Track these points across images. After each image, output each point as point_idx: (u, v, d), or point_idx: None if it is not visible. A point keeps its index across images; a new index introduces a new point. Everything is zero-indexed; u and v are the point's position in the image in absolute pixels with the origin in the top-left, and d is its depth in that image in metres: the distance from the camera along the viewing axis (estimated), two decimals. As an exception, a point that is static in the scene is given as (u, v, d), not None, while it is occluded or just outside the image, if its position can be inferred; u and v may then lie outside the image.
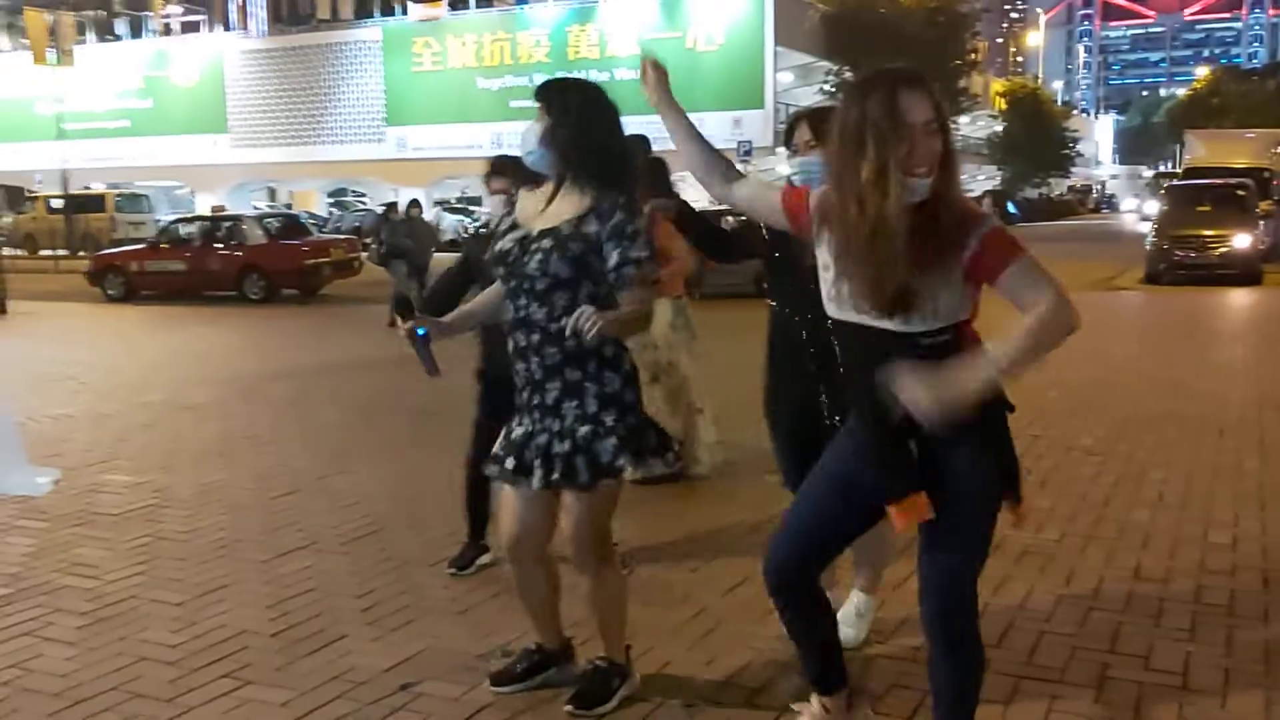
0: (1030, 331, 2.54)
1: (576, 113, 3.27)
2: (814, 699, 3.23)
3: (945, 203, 2.54)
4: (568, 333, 3.05)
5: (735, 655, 3.90)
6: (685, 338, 6.22)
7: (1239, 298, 16.82)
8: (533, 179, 3.48)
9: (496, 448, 3.43)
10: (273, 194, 51.92)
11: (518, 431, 3.37)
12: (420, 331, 3.38)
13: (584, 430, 3.26)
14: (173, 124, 47.24)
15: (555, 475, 3.27)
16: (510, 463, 3.34)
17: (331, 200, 49.51)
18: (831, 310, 2.73)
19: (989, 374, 2.55)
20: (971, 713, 2.91)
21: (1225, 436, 7.18)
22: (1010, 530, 5.20)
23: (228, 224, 20.79)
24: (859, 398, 2.76)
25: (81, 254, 30.12)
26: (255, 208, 39.84)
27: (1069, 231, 45.53)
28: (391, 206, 17.13)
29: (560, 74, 3.49)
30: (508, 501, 3.48)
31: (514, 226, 3.38)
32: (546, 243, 3.23)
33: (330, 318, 16.96)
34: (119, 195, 36.25)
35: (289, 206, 46.44)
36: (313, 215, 38.94)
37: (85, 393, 9.73)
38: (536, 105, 3.29)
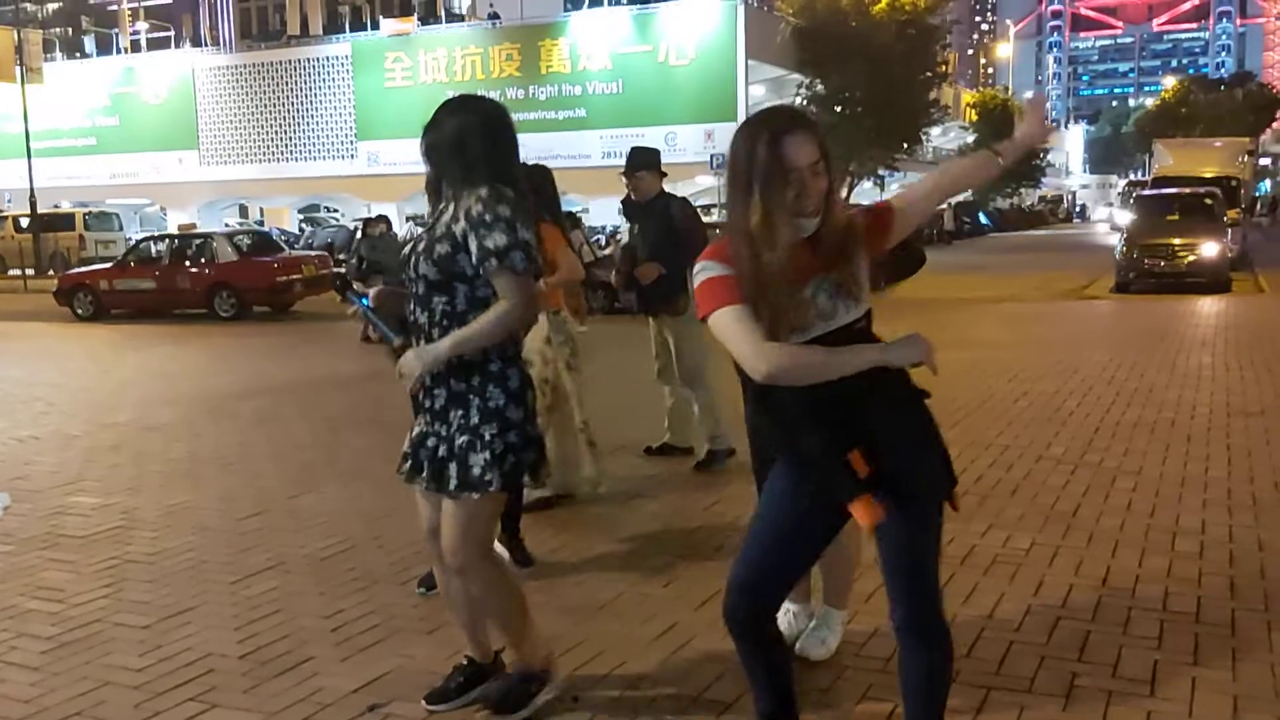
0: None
1: (443, 122, 3.31)
2: None
3: (830, 226, 2.68)
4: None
5: (707, 670, 3.89)
6: (565, 354, 5.94)
7: (1207, 305, 16.96)
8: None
9: (405, 445, 3.48)
10: (244, 211, 51.72)
11: (415, 432, 3.44)
12: (363, 301, 3.44)
13: (461, 440, 3.29)
14: (141, 141, 47.00)
15: (425, 478, 3.36)
16: (406, 464, 3.43)
17: (303, 216, 49.35)
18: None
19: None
20: (942, 711, 2.95)
21: (1193, 444, 7.23)
22: (980, 540, 5.24)
23: (198, 241, 20.66)
24: (804, 411, 2.74)
25: (50, 273, 29.90)
26: (226, 225, 39.69)
27: (1040, 242, 45.91)
28: (371, 222, 17.09)
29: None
30: (420, 504, 3.54)
31: (434, 223, 3.42)
32: (421, 245, 3.28)
33: (302, 335, 16.87)
34: (88, 214, 36.03)
35: (260, 223, 46.23)
36: (284, 232, 38.80)
37: (53, 414, 9.64)
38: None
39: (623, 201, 7.10)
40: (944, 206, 50.42)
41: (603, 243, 28.52)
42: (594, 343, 6.69)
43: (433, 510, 3.48)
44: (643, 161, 6.86)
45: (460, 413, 3.30)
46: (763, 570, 2.91)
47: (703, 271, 2.71)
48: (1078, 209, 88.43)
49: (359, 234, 19.32)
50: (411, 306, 3.34)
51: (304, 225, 46.37)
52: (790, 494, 2.88)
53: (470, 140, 3.26)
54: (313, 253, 24.87)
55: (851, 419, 2.68)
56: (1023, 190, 72.83)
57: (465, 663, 3.68)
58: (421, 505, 3.54)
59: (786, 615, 4.08)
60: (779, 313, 2.64)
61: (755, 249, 2.62)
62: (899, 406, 2.75)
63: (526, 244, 3.19)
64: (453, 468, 3.29)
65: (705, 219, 8.42)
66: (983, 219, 56.66)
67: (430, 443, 3.36)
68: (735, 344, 2.64)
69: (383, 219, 16.53)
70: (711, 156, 33.86)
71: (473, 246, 3.18)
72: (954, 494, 2.88)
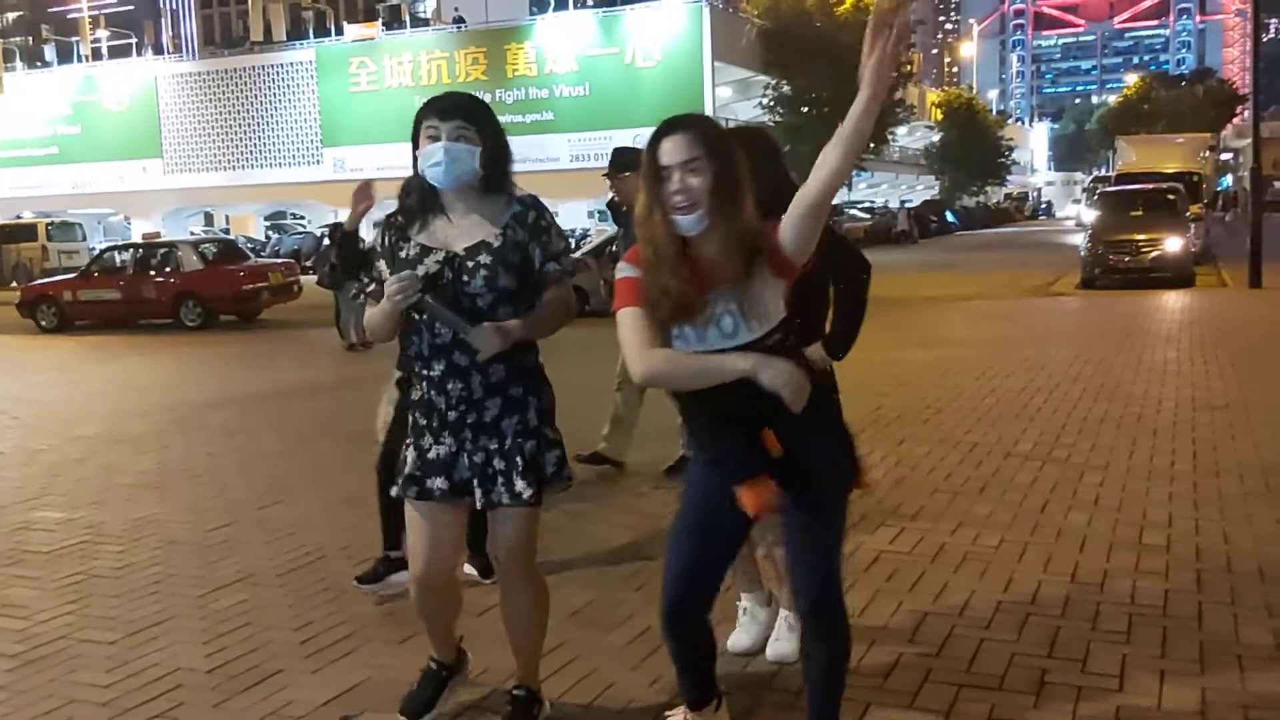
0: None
1: (496, 129, 3.25)
2: (683, 710, 3.35)
3: (725, 234, 2.76)
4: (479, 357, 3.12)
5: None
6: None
7: (1172, 300, 17.13)
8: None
9: (411, 469, 3.30)
10: (209, 219, 51.36)
11: (439, 450, 3.26)
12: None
13: (529, 444, 3.25)
14: (104, 150, 46.60)
15: (499, 494, 3.23)
16: (440, 483, 3.26)
17: (269, 223, 49.06)
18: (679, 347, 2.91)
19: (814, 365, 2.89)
20: (839, 700, 3.06)
21: (1159, 438, 7.29)
22: (949, 538, 5.26)
23: (163, 250, 20.49)
24: (709, 405, 2.87)
25: (13, 285, 29.58)
26: (192, 233, 39.38)
27: (1006, 239, 46.22)
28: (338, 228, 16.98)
29: (448, 91, 3.42)
30: (419, 530, 3.35)
31: (425, 250, 3.22)
32: (485, 258, 3.16)
33: (269, 343, 16.76)
34: (50, 224, 35.60)
35: (226, 231, 45.93)
36: (250, 239, 38.54)
37: (16, 428, 9.53)
38: (458, 125, 3.15)
39: (609, 205, 6.88)
40: (897, 207, 50.80)
41: (571, 246, 28.48)
42: (562, 348, 6.65)
43: (442, 533, 3.34)
44: (627, 162, 6.55)
45: (516, 419, 3.24)
46: (685, 575, 3.05)
47: (619, 271, 2.88)
48: (1043, 206, 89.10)
49: (326, 240, 19.20)
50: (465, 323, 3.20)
51: (270, 232, 46.14)
52: (698, 495, 3.04)
53: (508, 145, 3.28)
54: (279, 260, 24.73)
55: (763, 405, 2.75)
56: (988, 188, 73.29)
57: (434, 666, 3.63)
58: (429, 531, 3.33)
59: (745, 614, 4.09)
60: (662, 310, 2.78)
61: (643, 244, 2.83)
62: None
63: (569, 243, 3.33)
64: (530, 475, 3.23)
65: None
66: (949, 217, 57.04)
67: (477, 459, 3.23)
68: (624, 344, 2.81)
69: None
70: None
71: (536, 252, 3.21)
72: (860, 482, 2.98)
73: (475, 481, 3.24)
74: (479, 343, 3.10)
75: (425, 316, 3.18)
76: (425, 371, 3.26)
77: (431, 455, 3.27)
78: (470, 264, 3.16)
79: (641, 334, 2.78)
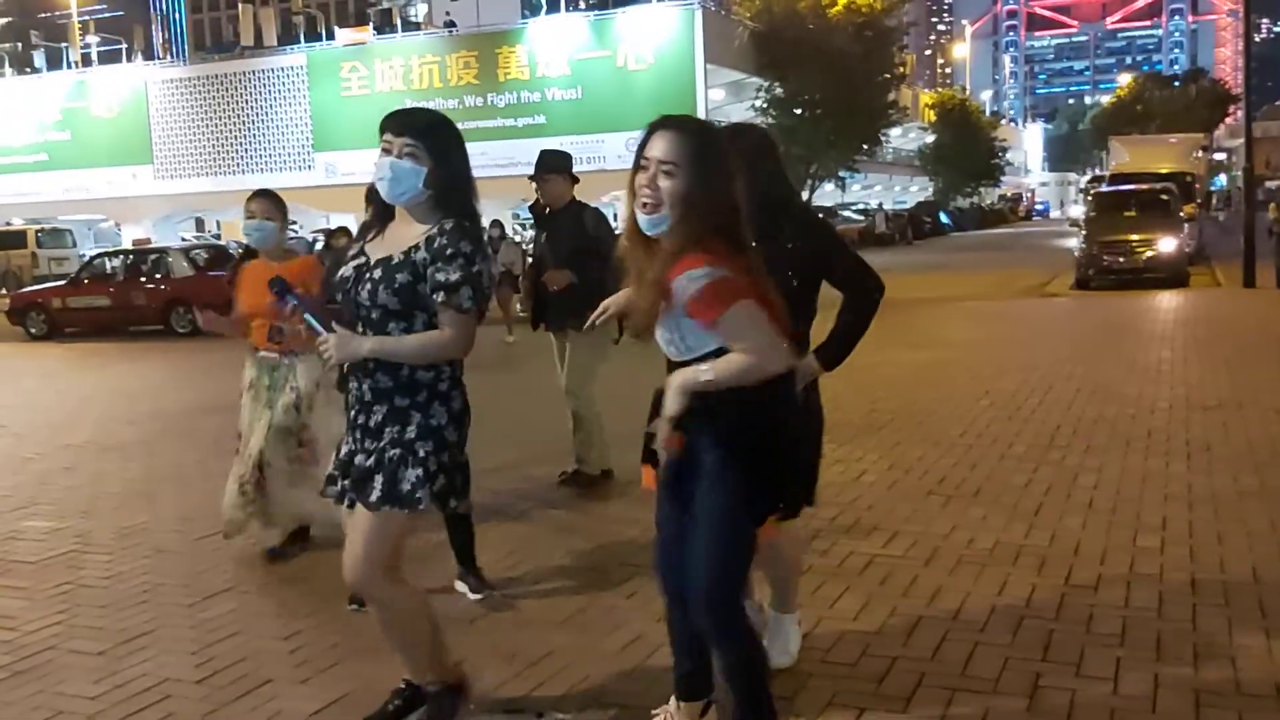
0: (732, 363, 2.85)
1: (449, 149, 3.25)
2: (673, 702, 3.40)
3: (664, 244, 2.86)
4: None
5: (670, 681, 3.84)
6: (327, 398, 5.21)
7: (1166, 300, 17.14)
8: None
9: (331, 468, 3.42)
10: (200, 224, 51.24)
11: (343, 451, 3.38)
12: (293, 300, 3.39)
13: (393, 453, 3.24)
14: (94, 156, 46.39)
15: (346, 485, 3.30)
16: (338, 484, 3.36)
17: (262, 229, 48.88)
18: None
19: (695, 380, 2.88)
20: (757, 711, 3.09)
21: (1153, 439, 7.28)
22: (944, 541, 5.24)
23: (153, 257, 20.43)
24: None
25: (2, 292, 29.49)
26: (183, 239, 39.28)
27: (1001, 240, 46.26)
28: (333, 234, 16.94)
29: (410, 107, 3.43)
30: (347, 525, 3.41)
31: (360, 253, 3.35)
32: (378, 272, 3.22)
33: (262, 349, 16.69)
34: (40, 230, 35.48)
35: (217, 237, 45.82)
36: (241, 245, 38.43)
37: (4, 436, 9.48)
38: (407, 142, 3.19)
39: (530, 207, 6.73)
40: (875, 208, 50.84)
41: (469, 280, 28.35)
42: (524, 353, 6.60)
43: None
44: (551, 164, 6.49)
45: (396, 428, 3.26)
46: (669, 559, 3.17)
47: (709, 275, 2.82)
48: (1038, 209, 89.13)
49: (318, 245, 19.16)
50: (360, 330, 3.27)
51: (263, 238, 45.92)
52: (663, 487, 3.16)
53: (469, 174, 3.30)
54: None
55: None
56: (982, 189, 73.37)
57: (403, 686, 3.57)
58: (348, 528, 3.41)
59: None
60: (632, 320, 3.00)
61: (620, 243, 3.04)
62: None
63: (476, 278, 3.18)
64: (378, 480, 3.23)
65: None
66: (943, 218, 57.11)
67: (359, 459, 3.30)
68: (759, 334, 2.87)
69: (344, 230, 16.38)
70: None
71: (431, 278, 3.17)
72: (771, 516, 3.06)
73: (351, 480, 3.31)
74: (325, 347, 3.19)
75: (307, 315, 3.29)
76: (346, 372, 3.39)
77: (342, 454, 3.38)
78: (368, 274, 3.24)
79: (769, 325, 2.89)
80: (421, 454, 3.25)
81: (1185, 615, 4.26)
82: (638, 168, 2.88)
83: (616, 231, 3.88)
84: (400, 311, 3.21)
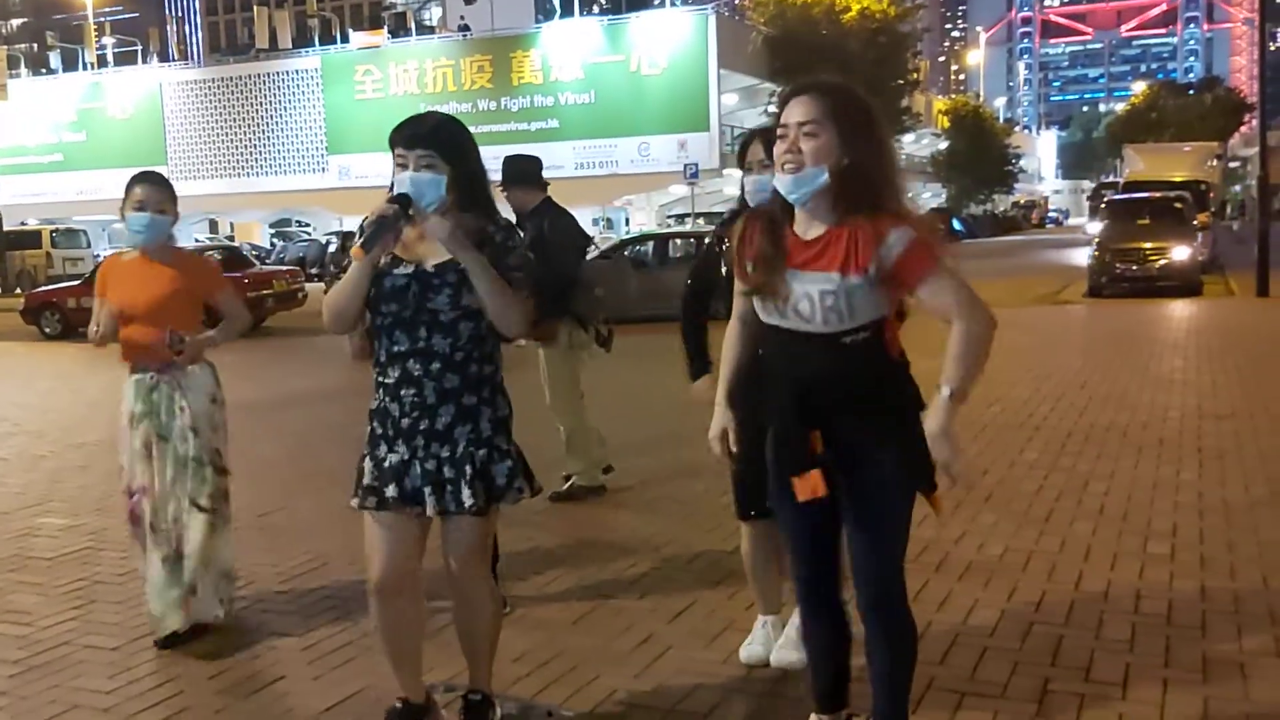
0: (965, 347, 2.84)
1: (464, 151, 3.27)
2: (813, 717, 3.27)
3: (844, 215, 2.80)
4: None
5: (682, 682, 3.88)
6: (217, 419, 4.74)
7: (1179, 309, 17.09)
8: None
9: (369, 479, 3.34)
10: (214, 226, 51.44)
11: (392, 459, 3.30)
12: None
13: (480, 454, 3.27)
14: (108, 157, 46.59)
15: (448, 501, 3.25)
16: (392, 490, 3.28)
17: (274, 231, 49.13)
18: (764, 316, 2.94)
19: (946, 415, 2.82)
20: (906, 697, 3.05)
21: (1165, 448, 7.27)
22: (954, 546, 5.24)
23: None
24: (777, 393, 2.95)
25: (17, 291, 29.64)
26: (196, 240, 39.43)
27: (1014, 247, 46.15)
28: (351, 236, 17.05)
29: (424, 111, 3.45)
30: (376, 536, 3.36)
31: (395, 260, 3.26)
32: (452, 276, 3.21)
33: (273, 350, 16.77)
34: (55, 231, 35.69)
35: (231, 238, 46.01)
36: (255, 247, 38.59)
37: (19, 434, 9.54)
38: (422, 154, 3.19)
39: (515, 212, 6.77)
40: None
41: (524, 264, 28.42)
42: (533, 356, 6.61)
43: (400, 542, 3.33)
44: (507, 175, 6.30)
45: (469, 428, 3.26)
46: (808, 565, 3.08)
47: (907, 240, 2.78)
48: (1052, 214, 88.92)
49: (330, 248, 19.21)
50: (423, 334, 3.22)
51: (275, 240, 46.18)
52: (778, 496, 3.02)
53: (478, 163, 3.33)
54: (284, 268, 24.74)
55: (812, 405, 2.85)
56: (995, 196, 73.27)
57: (399, 705, 3.49)
58: (382, 541, 3.33)
59: (764, 628, 4.07)
60: (749, 279, 2.93)
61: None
62: (873, 416, 2.86)
63: (530, 267, 3.35)
64: (477, 485, 3.25)
65: (677, 228, 8.19)
66: (956, 225, 57.01)
67: (429, 466, 3.25)
68: (972, 290, 2.84)
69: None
70: (685, 166, 33.93)
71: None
72: (930, 495, 2.93)
73: (427, 490, 3.26)
74: (430, 228, 3.18)
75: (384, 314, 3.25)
76: (381, 379, 3.32)
77: (387, 464, 3.30)
78: (437, 281, 3.22)
79: (735, 302, 3.05)
80: (504, 447, 3.32)
81: (1195, 622, 4.27)
82: (777, 136, 2.84)
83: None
84: (480, 310, 3.22)
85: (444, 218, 3.17)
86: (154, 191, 4.48)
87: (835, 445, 2.87)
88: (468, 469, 3.25)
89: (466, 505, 3.24)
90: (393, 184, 3.23)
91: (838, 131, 2.75)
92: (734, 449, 3.15)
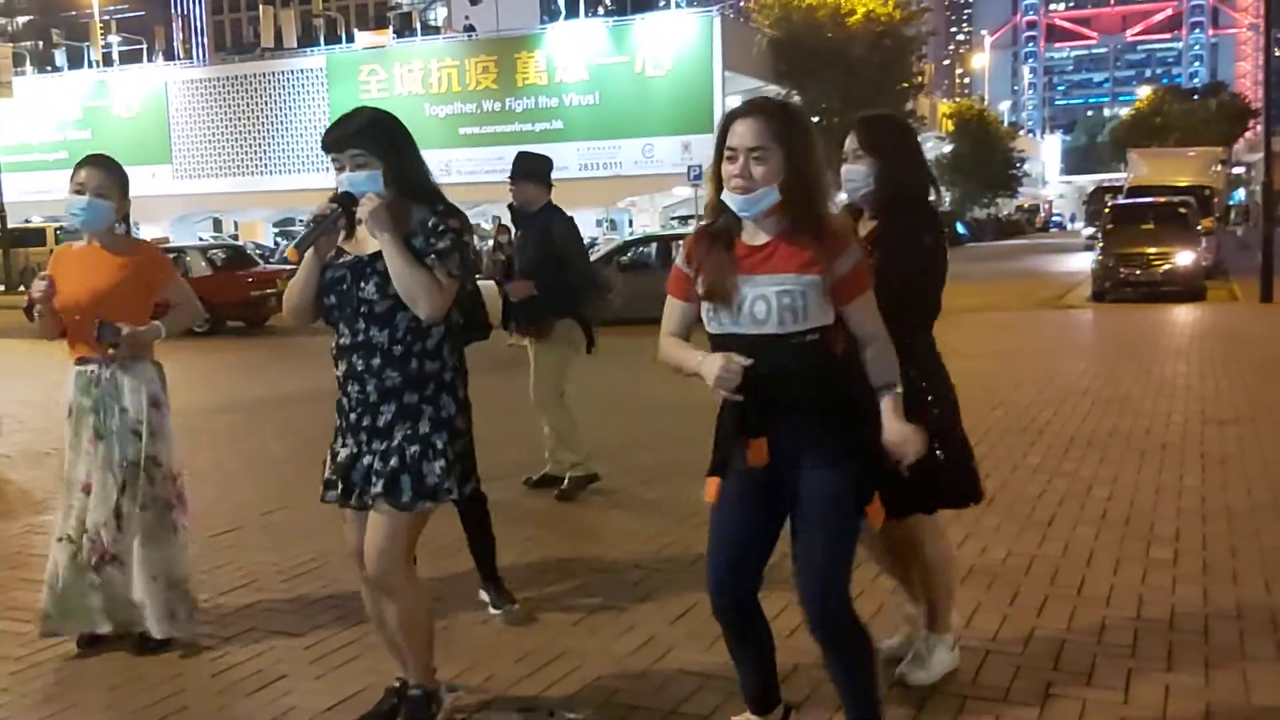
0: (887, 355, 3.02)
1: (394, 142, 3.31)
2: (746, 717, 3.31)
3: (793, 220, 2.92)
4: None
5: (683, 683, 3.88)
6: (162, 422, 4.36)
7: (1182, 314, 17.09)
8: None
9: (327, 472, 3.41)
10: (218, 225, 51.46)
11: (343, 454, 3.36)
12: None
13: (412, 450, 3.27)
14: (113, 155, 46.20)
15: (376, 492, 3.27)
16: (340, 486, 3.35)
17: (278, 230, 49.14)
18: (713, 328, 3.01)
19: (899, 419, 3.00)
20: (872, 696, 3.08)
21: (1168, 452, 7.27)
22: (956, 550, 5.21)
23: (170, 256, 20.46)
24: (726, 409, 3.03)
25: (21, 289, 29.67)
26: (200, 239, 39.46)
27: (1018, 251, 46.13)
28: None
29: (359, 109, 3.44)
30: (347, 529, 3.46)
31: (340, 253, 3.35)
32: (381, 264, 3.23)
33: (276, 349, 16.80)
34: (59, 228, 35.68)
35: (235, 237, 46.02)
36: (259, 246, 38.62)
37: (23, 431, 9.54)
38: (352, 154, 3.27)
39: (509, 206, 6.73)
40: None
41: (452, 252, 28.44)
42: (528, 356, 6.62)
43: (360, 533, 3.40)
44: (522, 169, 6.44)
45: (408, 424, 3.29)
46: (727, 565, 3.13)
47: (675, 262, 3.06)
48: (1055, 218, 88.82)
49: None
50: (361, 326, 3.27)
51: (279, 239, 46.17)
52: (730, 494, 3.12)
53: (414, 154, 3.38)
54: (287, 266, 24.75)
55: (777, 398, 2.91)
56: (999, 200, 73.21)
57: (398, 684, 3.58)
58: (349, 530, 3.46)
59: (900, 634, 4.06)
60: (700, 286, 2.99)
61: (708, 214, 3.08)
62: (823, 414, 2.93)
63: (463, 251, 3.31)
64: (405, 479, 3.26)
65: (681, 229, 8.25)
66: (959, 229, 56.97)
67: (366, 460, 3.31)
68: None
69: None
70: (689, 168, 33.92)
71: (425, 251, 3.25)
72: (866, 510, 3.00)
73: (361, 483, 3.32)
74: (365, 204, 3.22)
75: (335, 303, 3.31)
76: (336, 372, 3.39)
77: (340, 458, 3.38)
78: (368, 270, 3.26)
79: (666, 321, 3.09)
80: (440, 445, 3.29)
81: (1197, 627, 4.26)
82: (720, 157, 2.94)
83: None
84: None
85: (382, 207, 3.21)
86: (96, 174, 4.29)
87: (790, 457, 2.94)
88: (394, 461, 3.27)
89: (388, 498, 3.26)
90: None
91: (784, 154, 2.88)
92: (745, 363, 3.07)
